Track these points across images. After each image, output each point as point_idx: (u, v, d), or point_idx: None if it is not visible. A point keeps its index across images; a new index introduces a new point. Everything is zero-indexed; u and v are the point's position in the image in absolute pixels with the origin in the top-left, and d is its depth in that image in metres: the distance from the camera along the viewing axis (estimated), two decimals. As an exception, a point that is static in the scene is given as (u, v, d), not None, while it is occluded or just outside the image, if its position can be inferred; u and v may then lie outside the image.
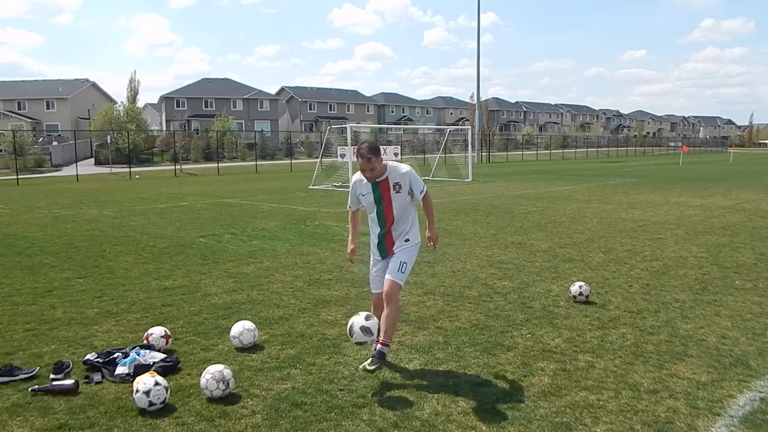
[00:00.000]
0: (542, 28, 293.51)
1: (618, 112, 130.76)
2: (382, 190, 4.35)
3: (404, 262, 4.38)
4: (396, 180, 4.33)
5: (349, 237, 4.82)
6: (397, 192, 4.33)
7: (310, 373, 4.41)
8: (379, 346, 4.26)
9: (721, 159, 57.53)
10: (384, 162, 4.36)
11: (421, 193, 4.43)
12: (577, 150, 73.11)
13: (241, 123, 70.02)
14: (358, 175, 4.45)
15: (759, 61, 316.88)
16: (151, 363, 4.48)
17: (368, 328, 4.27)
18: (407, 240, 4.46)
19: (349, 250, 4.83)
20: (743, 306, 6.05)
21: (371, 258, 4.64)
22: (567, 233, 10.87)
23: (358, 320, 4.31)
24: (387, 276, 4.37)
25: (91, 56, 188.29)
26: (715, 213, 13.67)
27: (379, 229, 4.47)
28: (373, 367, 4.25)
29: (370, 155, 4.21)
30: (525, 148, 70.03)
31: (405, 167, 4.42)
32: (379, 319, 4.36)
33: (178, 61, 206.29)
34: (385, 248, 4.49)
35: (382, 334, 4.28)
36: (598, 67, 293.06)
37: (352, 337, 4.34)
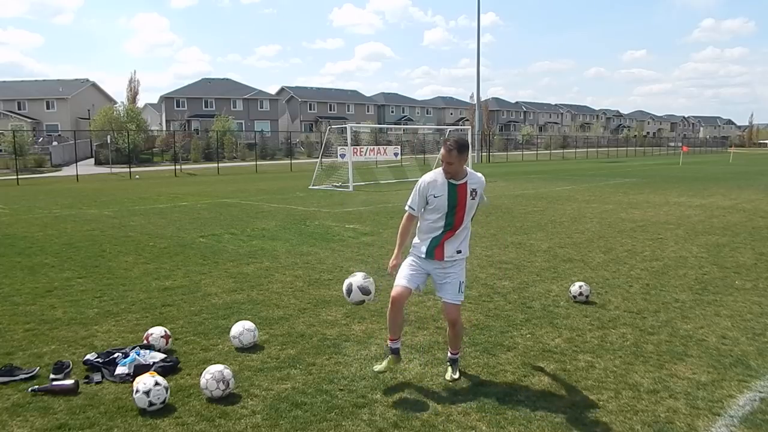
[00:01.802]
0: (542, 28, 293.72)
1: (618, 112, 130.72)
2: (459, 193, 4.09)
3: (461, 282, 4.23)
4: (474, 186, 4.13)
5: (396, 249, 4.29)
6: (473, 198, 4.15)
7: (310, 373, 4.41)
8: (451, 355, 4.43)
9: (721, 159, 57.52)
10: (465, 166, 4.15)
11: (487, 200, 4.45)
12: (577, 150, 73.10)
13: (241, 123, 70.00)
14: (430, 176, 4.17)
15: (759, 61, 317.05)
16: (151, 363, 4.48)
17: (366, 287, 4.33)
18: (459, 252, 4.21)
19: (392, 264, 4.32)
20: (743, 306, 6.05)
21: (411, 255, 4.32)
22: (567, 233, 10.87)
23: (356, 280, 4.36)
24: (449, 299, 4.18)
25: (92, 56, 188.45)
26: (715, 213, 13.67)
27: (438, 233, 4.15)
28: (457, 375, 4.34)
29: (453, 148, 3.98)
30: (525, 148, 70.01)
31: (482, 176, 4.25)
32: (392, 320, 4.29)
33: (178, 61, 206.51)
34: (434, 252, 4.17)
35: (452, 348, 4.42)
36: (598, 67, 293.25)
37: (349, 297, 4.35)
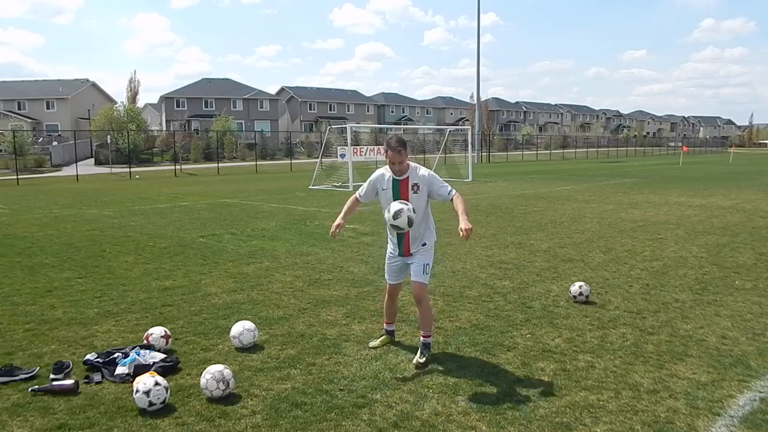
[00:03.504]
0: (542, 28, 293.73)
1: (618, 112, 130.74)
2: (401, 188, 4.48)
3: (426, 263, 4.60)
4: (415, 181, 4.48)
5: (340, 214, 4.82)
6: (415, 192, 4.46)
7: (310, 373, 4.41)
8: (422, 339, 4.65)
9: (721, 159, 57.53)
10: (408, 162, 4.53)
11: (449, 193, 4.51)
12: (577, 150, 73.11)
13: (241, 123, 70.00)
14: (381, 170, 4.67)
15: (759, 61, 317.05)
16: (151, 363, 4.48)
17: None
18: (424, 244, 4.63)
19: (335, 224, 4.70)
20: (743, 306, 6.05)
21: (388, 250, 4.85)
22: (567, 233, 10.87)
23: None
24: (413, 279, 4.59)
25: (92, 56, 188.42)
26: (715, 213, 13.67)
27: (400, 233, 4.57)
28: (423, 359, 4.54)
29: (400, 147, 4.43)
30: (525, 148, 70.01)
31: (425, 170, 4.58)
32: (387, 308, 4.99)
33: (178, 61, 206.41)
34: (403, 248, 4.67)
35: (422, 329, 4.66)
36: (598, 67, 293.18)
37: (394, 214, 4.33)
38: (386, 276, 4.95)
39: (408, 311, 5.95)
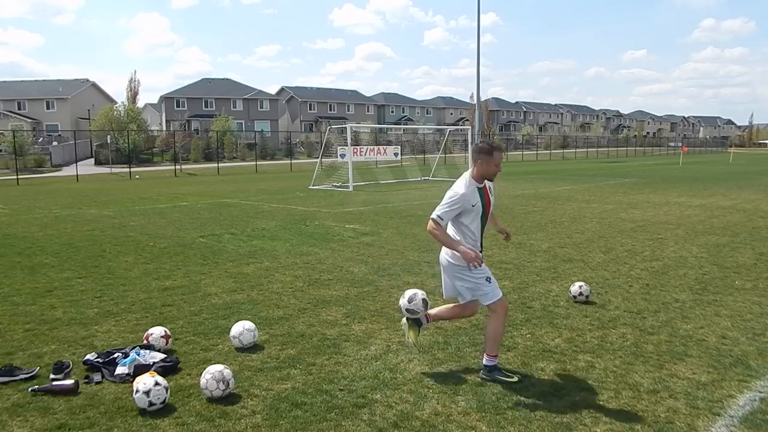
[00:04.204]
0: (543, 28, 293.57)
1: (618, 112, 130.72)
2: (486, 195, 4.34)
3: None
4: (490, 183, 4.44)
5: (462, 245, 4.19)
6: (491, 194, 4.42)
7: (310, 373, 4.41)
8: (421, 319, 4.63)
9: (721, 159, 57.53)
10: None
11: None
12: (577, 150, 73.11)
13: (241, 123, 70.01)
14: (467, 187, 4.20)
15: (759, 61, 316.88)
16: (151, 363, 4.48)
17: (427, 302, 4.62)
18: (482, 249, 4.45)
19: (474, 255, 4.10)
20: (743, 306, 6.05)
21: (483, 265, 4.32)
22: (567, 233, 10.87)
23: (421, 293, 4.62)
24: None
25: (92, 56, 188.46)
26: (715, 213, 13.67)
27: (479, 236, 4.37)
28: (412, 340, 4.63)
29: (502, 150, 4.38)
30: (525, 148, 70.01)
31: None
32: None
33: (178, 61, 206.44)
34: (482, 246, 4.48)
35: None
36: (598, 67, 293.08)
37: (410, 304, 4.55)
38: (497, 290, 4.28)
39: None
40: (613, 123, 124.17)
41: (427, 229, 4.24)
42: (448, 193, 4.21)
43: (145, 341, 4.91)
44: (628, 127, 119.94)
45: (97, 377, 4.33)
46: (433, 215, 4.20)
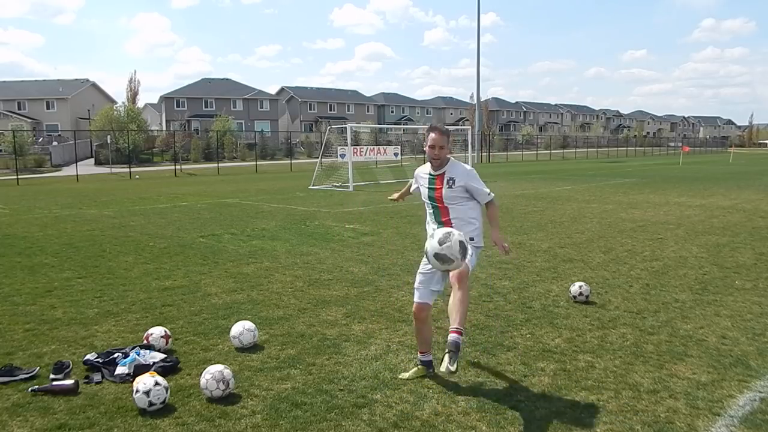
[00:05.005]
0: (543, 28, 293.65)
1: (618, 112, 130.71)
2: (436, 184, 4.22)
3: (471, 254, 4.03)
4: (451, 175, 4.17)
5: (403, 189, 4.90)
6: (449, 187, 4.14)
7: (310, 373, 4.41)
8: (451, 336, 3.71)
9: (721, 159, 57.52)
10: (449, 156, 4.26)
11: (488, 195, 4.22)
12: (577, 150, 73.11)
13: (241, 123, 70.00)
14: (421, 168, 4.39)
15: (759, 61, 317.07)
16: (151, 363, 4.47)
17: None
18: (472, 239, 4.13)
19: (393, 196, 5.02)
20: (743, 306, 6.05)
21: (423, 263, 4.21)
22: (567, 233, 10.87)
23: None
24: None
25: (92, 56, 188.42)
26: (715, 213, 13.67)
27: (436, 225, 4.23)
28: (454, 367, 3.66)
29: (446, 133, 4.18)
30: (525, 148, 70.01)
31: (467, 166, 4.29)
32: (419, 336, 4.35)
33: (178, 61, 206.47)
34: None
35: (453, 321, 3.76)
36: (598, 67, 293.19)
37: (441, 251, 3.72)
38: (415, 294, 4.25)
39: (408, 311, 5.94)
40: (613, 123, 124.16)
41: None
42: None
43: (145, 341, 4.91)
44: (628, 127, 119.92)
45: (97, 377, 4.33)
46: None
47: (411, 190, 4.67)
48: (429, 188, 4.27)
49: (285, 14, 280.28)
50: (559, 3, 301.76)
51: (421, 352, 4.38)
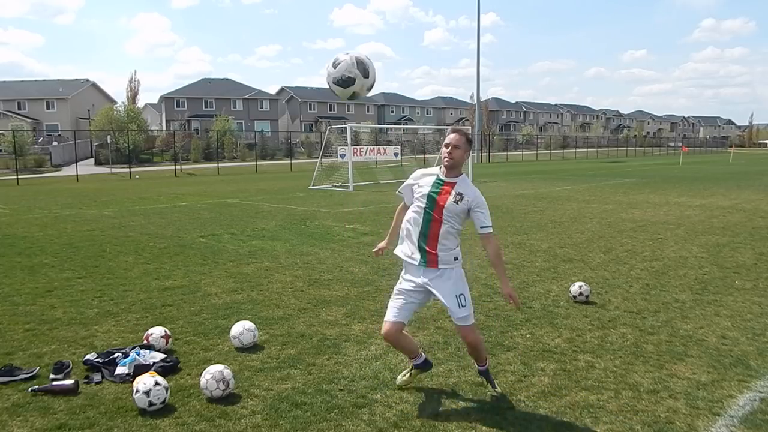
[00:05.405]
0: (543, 28, 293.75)
1: (618, 112, 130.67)
2: (442, 191, 3.72)
3: (461, 294, 3.75)
4: (460, 190, 3.70)
5: (389, 232, 4.24)
6: (455, 202, 3.68)
7: (310, 373, 4.41)
8: (479, 369, 4.08)
9: (721, 159, 57.51)
10: (463, 171, 3.84)
11: (483, 228, 3.71)
12: (577, 150, 73.09)
13: (241, 123, 69.99)
14: (423, 171, 3.92)
15: (759, 61, 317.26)
16: (151, 363, 4.48)
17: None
18: (456, 258, 3.78)
19: (377, 247, 4.30)
20: (743, 306, 6.05)
21: (401, 276, 3.94)
22: (567, 233, 10.87)
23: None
24: (454, 321, 3.84)
25: (92, 56, 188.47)
26: (715, 213, 13.67)
27: (419, 231, 3.78)
28: (498, 388, 4.02)
29: (465, 136, 3.75)
30: (525, 148, 69.99)
31: (478, 190, 3.78)
32: (401, 349, 4.10)
33: (178, 62, 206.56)
34: (426, 250, 3.75)
35: (476, 362, 4.05)
36: (598, 67, 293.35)
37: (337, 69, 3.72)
38: (387, 312, 3.91)
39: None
40: (613, 123, 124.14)
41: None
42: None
43: (145, 341, 4.91)
44: (628, 127, 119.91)
45: (97, 377, 4.33)
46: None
47: (407, 203, 3.99)
48: (433, 191, 3.75)
49: (285, 14, 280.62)
50: (559, 3, 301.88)
51: (410, 358, 4.13)
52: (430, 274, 3.76)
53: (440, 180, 3.78)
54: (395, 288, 3.96)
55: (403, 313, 3.86)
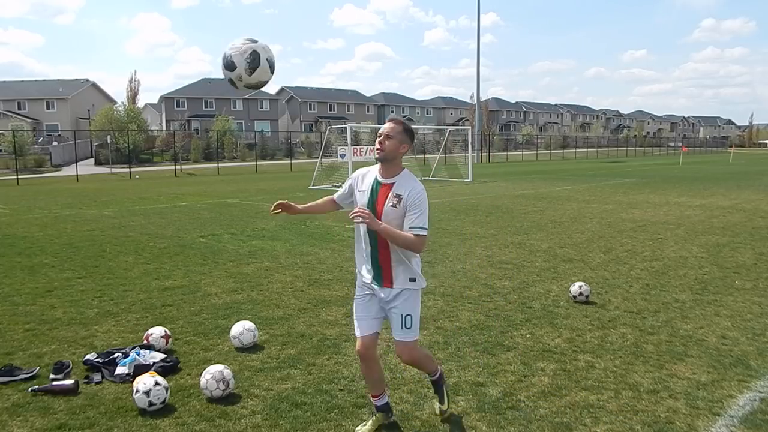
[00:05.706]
0: (543, 28, 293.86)
1: (618, 112, 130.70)
2: (380, 195, 3.28)
3: (407, 315, 3.34)
4: (399, 191, 3.24)
5: (306, 203, 3.85)
6: (393, 206, 3.22)
7: (310, 373, 4.41)
8: (430, 379, 3.72)
9: (721, 159, 57.51)
10: (404, 165, 3.36)
11: (413, 228, 3.17)
12: (577, 150, 73.09)
13: (241, 123, 70.00)
14: (364, 170, 3.47)
15: (759, 61, 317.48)
16: (151, 363, 4.48)
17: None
18: (413, 279, 3.35)
19: (283, 203, 3.63)
20: (743, 306, 6.05)
21: (357, 287, 3.51)
22: (567, 233, 10.87)
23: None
24: (394, 337, 3.41)
25: (92, 56, 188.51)
26: (715, 213, 13.67)
27: (369, 248, 3.36)
28: (445, 406, 3.66)
29: (401, 125, 3.31)
30: (525, 148, 70.00)
31: (420, 186, 3.28)
32: (368, 378, 3.58)
33: (178, 61, 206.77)
34: (380, 267, 3.34)
35: (428, 374, 3.70)
36: (598, 67, 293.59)
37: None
38: (355, 325, 3.45)
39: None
40: (613, 123, 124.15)
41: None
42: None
43: (145, 341, 4.91)
44: (628, 127, 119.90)
45: (97, 377, 4.33)
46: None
47: (337, 199, 3.62)
48: (371, 198, 3.31)
49: (285, 14, 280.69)
50: (559, 3, 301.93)
51: (374, 396, 3.56)
52: (385, 293, 3.35)
53: (377, 182, 3.33)
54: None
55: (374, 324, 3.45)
